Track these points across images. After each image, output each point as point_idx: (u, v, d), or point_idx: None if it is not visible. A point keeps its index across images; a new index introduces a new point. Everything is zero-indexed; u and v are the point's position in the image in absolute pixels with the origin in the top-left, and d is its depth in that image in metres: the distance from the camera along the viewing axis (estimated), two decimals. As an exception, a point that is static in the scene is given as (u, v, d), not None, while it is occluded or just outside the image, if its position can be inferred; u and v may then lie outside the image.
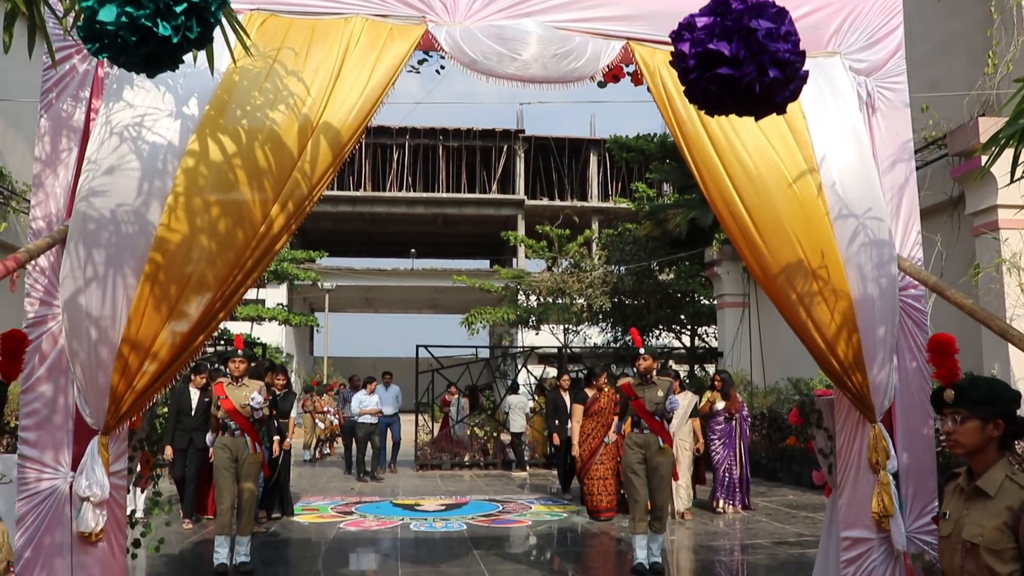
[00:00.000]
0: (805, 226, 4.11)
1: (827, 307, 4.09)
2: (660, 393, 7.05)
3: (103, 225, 3.61)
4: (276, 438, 9.30)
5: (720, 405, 10.30)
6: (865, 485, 4.32)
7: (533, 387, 18.55)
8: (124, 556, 4.06)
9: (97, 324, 3.58)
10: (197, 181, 3.74)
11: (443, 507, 11.11)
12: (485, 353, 20.57)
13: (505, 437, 16.64)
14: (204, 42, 2.63)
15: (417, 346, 17.37)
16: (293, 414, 9.92)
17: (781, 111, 2.57)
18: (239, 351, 7.37)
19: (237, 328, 18.87)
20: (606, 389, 9.86)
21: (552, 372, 20.86)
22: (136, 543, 4.81)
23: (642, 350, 7.18)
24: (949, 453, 2.70)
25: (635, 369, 7.24)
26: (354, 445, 14.98)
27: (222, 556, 6.80)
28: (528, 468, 15.90)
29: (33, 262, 3.75)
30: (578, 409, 9.98)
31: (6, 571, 2.33)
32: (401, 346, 53.80)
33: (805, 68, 2.55)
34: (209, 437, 7.39)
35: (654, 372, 7.27)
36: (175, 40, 2.53)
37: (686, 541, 8.54)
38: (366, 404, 14.51)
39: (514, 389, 17.17)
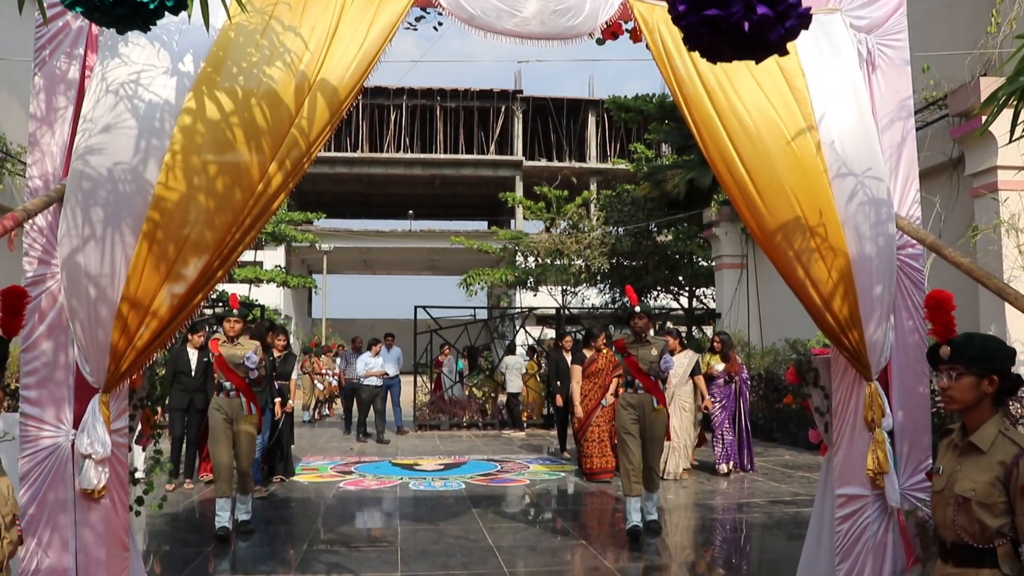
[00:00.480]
0: (803, 184, 4.10)
1: (824, 265, 4.09)
2: (654, 352, 6.93)
3: (100, 184, 3.59)
4: (278, 400, 9.23)
5: (719, 367, 10.23)
6: (860, 443, 4.35)
7: (527, 349, 18.64)
8: (127, 513, 4.10)
9: (96, 282, 3.58)
10: (194, 139, 3.71)
11: (442, 467, 11.22)
12: (483, 314, 20.62)
13: (502, 398, 16.72)
14: (181, 6, 2.58)
15: (415, 307, 17.42)
16: (294, 376, 9.85)
17: (781, 51, 2.51)
18: (234, 311, 7.17)
19: (236, 291, 18.84)
20: (604, 350, 9.77)
21: (550, 333, 20.93)
22: (139, 501, 4.83)
23: (637, 308, 7.03)
24: (944, 408, 2.72)
25: (630, 327, 7.10)
26: (355, 407, 15.05)
27: (224, 519, 6.73)
28: (525, 428, 16.00)
29: (31, 221, 3.73)
30: (576, 370, 9.88)
31: (12, 524, 2.36)
32: (399, 308, 54.06)
33: (805, 6, 2.49)
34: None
35: (650, 331, 7.17)
36: (152, 6, 2.49)
37: (682, 500, 8.63)
38: (372, 366, 14.46)
39: (511, 350, 17.22)
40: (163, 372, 9.15)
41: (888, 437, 4.25)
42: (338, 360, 19.49)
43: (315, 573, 5.77)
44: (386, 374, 14.52)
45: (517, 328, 19.94)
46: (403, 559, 6.12)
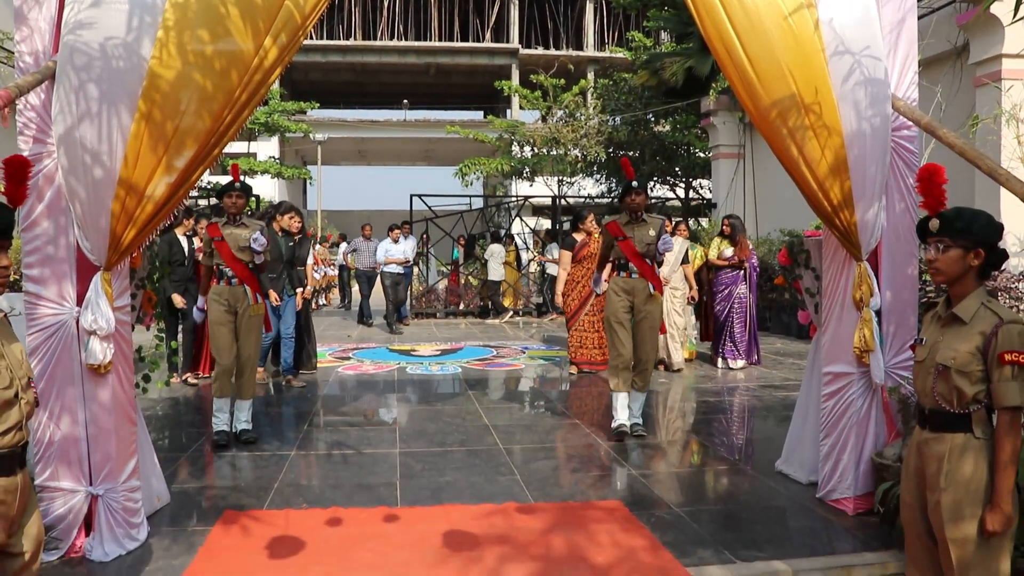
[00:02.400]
0: (799, 61, 4.06)
1: (818, 143, 4.09)
2: (652, 232, 6.22)
3: (93, 59, 3.55)
4: (299, 289, 8.57)
5: (729, 252, 9.58)
6: (848, 322, 4.46)
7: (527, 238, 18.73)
8: (133, 389, 4.22)
9: (94, 159, 3.59)
10: (187, 14, 3.65)
11: (439, 352, 11.42)
12: (479, 203, 20.59)
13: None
14: None
15: (411, 195, 17.37)
16: (309, 261, 9.00)
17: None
18: (235, 184, 6.12)
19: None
20: (596, 234, 9.15)
21: (545, 224, 20.94)
22: (146, 378, 4.97)
23: (634, 183, 6.19)
24: (932, 288, 2.79)
25: (624, 205, 6.31)
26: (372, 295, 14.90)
27: (221, 422, 6.14)
28: (508, 316, 16.21)
29: (24, 100, 3.71)
30: (565, 255, 9.36)
31: (28, 386, 2.45)
32: (395, 198, 53.63)
33: None
34: (200, 302, 6.19)
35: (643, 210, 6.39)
36: None
37: (674, 385, 8.82)
38: (392, 253, 14.17)
39: (495, 238, 17.26)
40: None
41: (875, 316, 4.35)
42: (341, 248, 19.57)
43: (315, 451, 5.96)
44: (408, 261, 14.28)
45: (513, 217, 19.95)
46: (401, 437, 6.31)
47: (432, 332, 14.10)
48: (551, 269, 15.59)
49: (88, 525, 3.94)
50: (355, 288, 20.27)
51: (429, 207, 17.75)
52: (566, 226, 16.41)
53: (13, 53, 10.20)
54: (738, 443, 6.29)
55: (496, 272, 16.33)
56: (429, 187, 63.18)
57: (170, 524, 4.37)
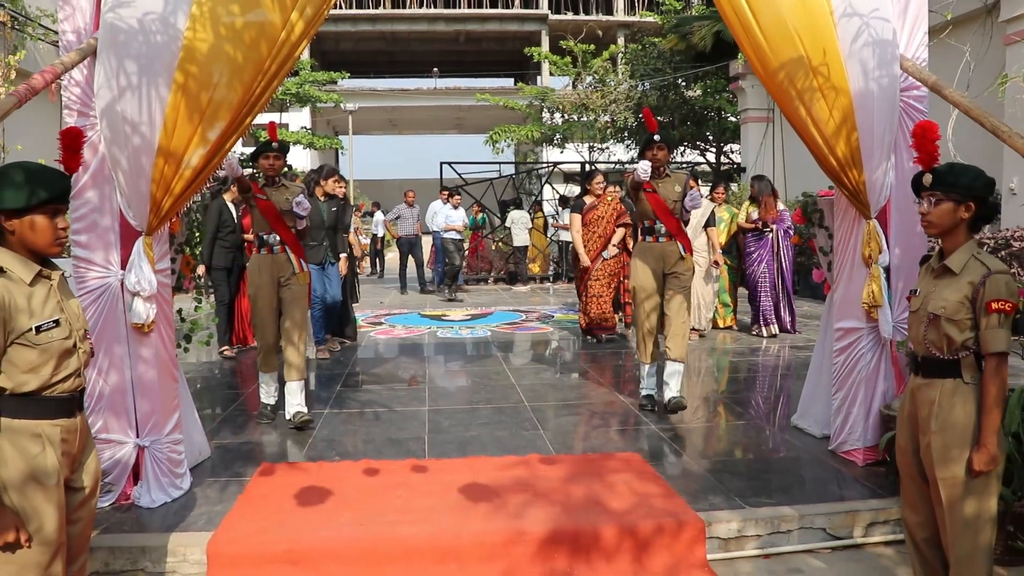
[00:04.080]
0: (807, 22, 4.15)
1: (826, 104, 4.20)
2: (677, 188, 5.77)
3: (132, 35, 3.76)
4: (344, 256, 8.41)
5: (755, 214, 9.25)
6: (859, 279, 4.59)
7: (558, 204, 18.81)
8: (174, 348, 4.48)
9: (135, 130, 3.80)
10: (218, -12, 3.85)
11: (468, 317, 11.66)
12: (509, 170, 20.71)
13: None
14: None
15: (441, 163, 17.53)
16: (352, 228, 8.79)
17: None
18: (272, 143, 5.64)
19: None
20: (610, 199, 8.93)
21: (576, 190, 20.96)
22: (187, 338, 5.23)
23: (656, 136, 5.65)
24: (925, 233, 2.94)
25: (646, 159, 5.69)
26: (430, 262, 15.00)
27: (268, 394, 5.89)
28: (530, 282, 16.40)
29: (68, 76, 3.94)
30: (575, 218, 9.00)
31: (85, 337, 2.70)
32: (426, 167, 53.79)
33: None
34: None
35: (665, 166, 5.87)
36: None
37: (697, 351, 8.93)
38: (453, 219, 14.06)
39: (517, 204, 17.37)
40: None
41: (884, 273, 4.47)
42: (376, 216, 19.77)
43: (348, 409, 6.21)
44: (467, 227, 14.16)
45: (543, 184, 20.05)
46: (430, 396, 6.55)
47: (463, 297, 14.33)
48: (564, 236, 15.70)
49: (136, 475, 4.21)
50: (389, 256, 20.54)
51: (459, 175, 17.91)
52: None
53: (50, 30, 10.51)
54: (756, 400, 6.44)
55: (520, 238, 16.47)
56: (459, 155, 63.32)
57: (211, 475, 4.64)
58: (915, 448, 3.01)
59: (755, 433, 5.43)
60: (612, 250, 8.92)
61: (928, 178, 2.89)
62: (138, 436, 4.16)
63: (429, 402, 6.35)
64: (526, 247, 16.66)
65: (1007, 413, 3.40)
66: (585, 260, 8.85)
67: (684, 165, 18.67)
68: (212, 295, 8.10)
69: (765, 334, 9.34)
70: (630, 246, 8.73)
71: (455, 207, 14.18)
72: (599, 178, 9.07)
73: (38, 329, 2.49)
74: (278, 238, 5.58)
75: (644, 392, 6.08)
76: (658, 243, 5.80)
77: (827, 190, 5.18)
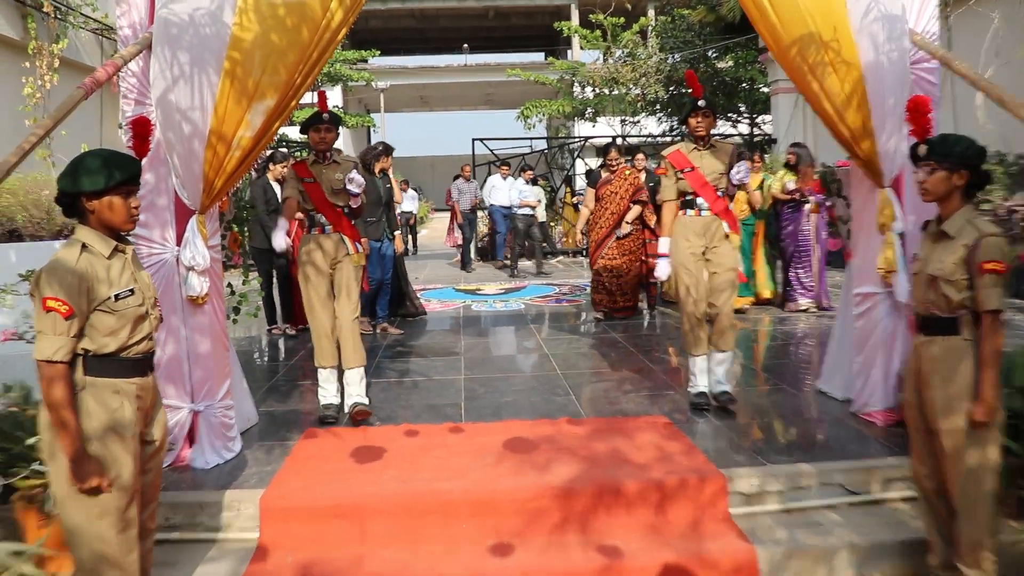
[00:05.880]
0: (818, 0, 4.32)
1: (838, 77, 4.37)
2: (721, 161, 5.20)
3: (184, 29, 4.03)
4: (398, 233, 8.36)
5: (791, 184, 8.59)
6: (876, 246, 4.76)
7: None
8: (225, 319, 4.77)
9: (187, 117, 4.09)
10: (262, -19, 4.11)
11: (503, 291, 11.91)
12: (541, 145, 20.83)
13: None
14: None
15: (473, 140, 17.73)
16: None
17: None
18: (323, 115, 5.15)
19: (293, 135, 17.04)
20: (628, 173, 8.58)
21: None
22: (236, 310, 5.52)
23: (701, 102, 5.09)
24: (922, 200, 3.12)
25: (689, 128, 5.25)
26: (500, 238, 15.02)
27: (329, 394, 5.36)
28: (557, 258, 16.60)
29: (126, 68, 4.23)
30: (590, 192, 8.72)
31: (155, 304, 3.01)
32: (458, 144, 54.04)
33: None
34: (280, 239, 5.16)
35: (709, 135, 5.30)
36: None
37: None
38: (527, 195, 13.89)
39: (534, 180, 17.45)
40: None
41: (899, 239, 4.64)
42: (407, 194, 19.96)
43: (387, 378, 6.49)
44: (539, 202, 13.89)
45: (574, 158, 20.17)
46: (466, 365, 6.82)
47: (497, 273, 14.58)
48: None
49: (191, 438, 4.52)
50: (422, 233, 20.66)
51: (492, 151, 18.09)
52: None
53: (90, 19, 10.81)
54: (783, 366, 6.62)
55: (541, 214, 16.55)
56: (492, 130, 63.39)
57: (260, 439, 4.95)
58: (920, 402, 3.21)
59: (780, 397, 5.62)
60: (626, 228, 8.54)
61: (923, 149, 3.10)
62: (193, 401, 4.46)
63: (465, 371, 6.62)
64: (544, 223, 16.79)
65: (1017, 370, 3.59)
66: (577, 232, 8.48)
67: (716, 136, 18.62)
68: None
69: (796, 308, 9.00)
70: (651, 223, 8.69)
71: (527, 181, 13.75)
72: (613, 153, 8.73)
73: (116, 297, 2.79)
74: (329, 218, 5.21)
75: (696, 390, 5.35)
76: (700, 216, 5.20)
77: (845, 161, 5.32)
